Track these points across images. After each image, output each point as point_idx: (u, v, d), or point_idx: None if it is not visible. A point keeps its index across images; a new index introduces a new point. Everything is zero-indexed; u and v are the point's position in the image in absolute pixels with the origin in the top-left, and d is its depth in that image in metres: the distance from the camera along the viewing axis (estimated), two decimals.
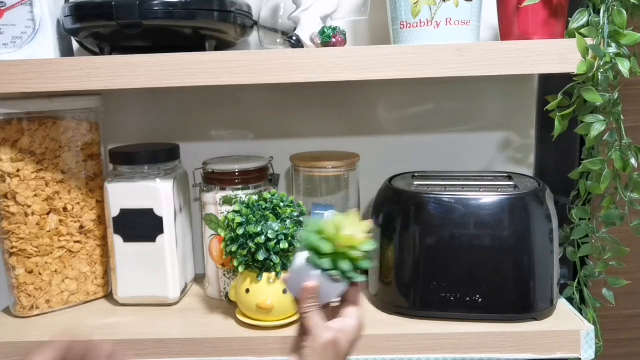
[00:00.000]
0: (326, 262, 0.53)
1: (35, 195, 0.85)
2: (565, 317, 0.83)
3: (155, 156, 0.89)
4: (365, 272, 0.58)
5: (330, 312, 0.58)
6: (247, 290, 0.81)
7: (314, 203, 0.90)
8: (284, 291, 0.80)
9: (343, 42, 0.77)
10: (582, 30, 0.74)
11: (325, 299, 0.55)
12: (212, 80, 0.74)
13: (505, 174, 0.92)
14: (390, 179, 0.90)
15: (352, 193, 0.92)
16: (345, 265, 0.52)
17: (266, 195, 0.84)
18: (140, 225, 0.86)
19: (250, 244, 0.79)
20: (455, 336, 0.79)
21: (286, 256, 0.81)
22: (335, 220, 0.52)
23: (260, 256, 0.79)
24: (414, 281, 0.82)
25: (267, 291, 0.80)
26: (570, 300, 0.90)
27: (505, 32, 0.80)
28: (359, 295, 0.59)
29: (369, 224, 0.55)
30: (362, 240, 0.53)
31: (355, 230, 0.53)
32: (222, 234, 0.83)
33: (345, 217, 0.54)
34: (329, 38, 0.76)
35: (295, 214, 0.82)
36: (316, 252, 0.53)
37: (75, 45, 0.89)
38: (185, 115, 1.01)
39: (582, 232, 0.86)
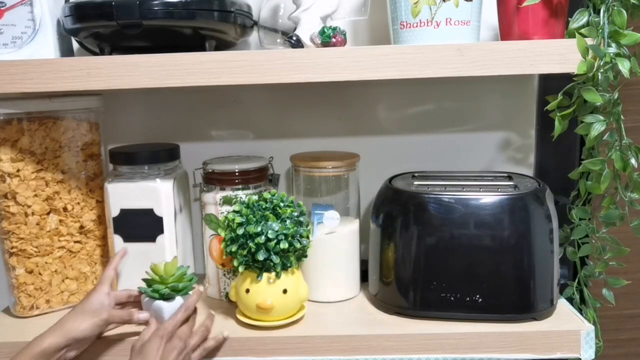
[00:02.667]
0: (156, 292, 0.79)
1: (35, 195, 0.85)
2: (565, 317, 0.83)
3: (155, 156, 0.89)
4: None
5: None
6: (247, 290, 0.81)
7: (314, 203, 0.90)
8: (284, 291, 0.80)
9: (343, 42, 0.77)
10: (582, 30, 0.74)
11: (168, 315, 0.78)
12: (212, 80, 0.74)
13: (505, 174, 0.92)
14: (390, 179, 0.90)
15: (352, 193, 0.92)
16: (164, 290, 0.79)
17: (266, 195, 0.84)
18: (140, 225, 0.86)
19: (250, 244, 0.79)
20: (455, 336, 0.79)
21: (286, 256, 0.81)
22: (158, 267, 0.80)
23: (260, 256, 0.79)
24: (414, 281, 0.82)
25: (267, 291, 0.80)
26: (570, 300, 0.90)
27: (505, 32, 0.80)
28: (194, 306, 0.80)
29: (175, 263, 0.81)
30: (177, 277, 0.80)
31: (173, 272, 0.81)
32: (222, 234, 0.83)
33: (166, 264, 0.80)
34: (329, 38, 0.76)
35: (295, 214, 0.82)
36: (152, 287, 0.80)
37: (75, 45, 0.89)
38: (185, 115, 1.01)
39: (582, 232, 0.86)
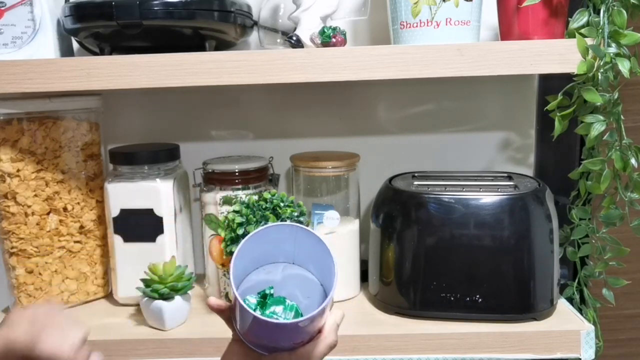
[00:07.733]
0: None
1: (35, 195, 0.85)
2: (565, 317, 0.83)
3: (155, 156, 0.89)
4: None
5: None
6: None
7: (314, 203, 0.90)
8: None
9: (343, 42, 0.77)
10: (582, 30, 0.74)
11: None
12: (212, 80, 0.74)
13: (505, 174, 0.92)
14: (390, 179, 0.90)
15: (352, 193, 0.92)
16: (164, 290, 0.80)
17: (266, 195, 0.84)
18: (140, 225, 0.86)
19: None
20: (455, 336, 0.79)
21: None
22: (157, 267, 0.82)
23: None
24: (414, 281, 0.82)
25: None
26: (570, 300, 0.90)
27: (505, 32, 0.80)
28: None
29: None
30: (176, 276, 0.82)
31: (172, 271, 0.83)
32: (222, 234, 0.83)
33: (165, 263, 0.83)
34: (329, 38, 0.76)
35: (295, 214, 0.82)
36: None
37: (75, 45, 0.89)
38: (185, 115, 1.01)
39: (582, 232, 0.86)
